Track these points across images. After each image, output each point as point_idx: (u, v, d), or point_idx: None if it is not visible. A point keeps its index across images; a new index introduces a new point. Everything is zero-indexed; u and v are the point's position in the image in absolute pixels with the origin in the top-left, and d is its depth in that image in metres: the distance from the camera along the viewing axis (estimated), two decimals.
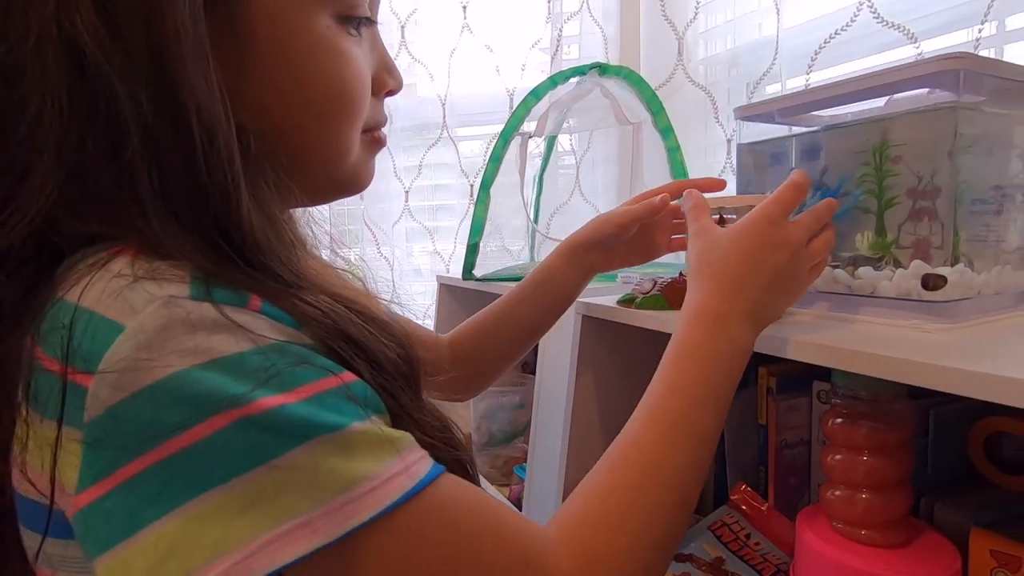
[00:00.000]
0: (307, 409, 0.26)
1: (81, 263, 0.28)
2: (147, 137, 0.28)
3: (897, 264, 0.51)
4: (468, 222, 1.50)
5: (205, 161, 0.28)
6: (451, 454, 0.32)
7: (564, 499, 0.71)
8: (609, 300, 0.66)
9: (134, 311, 0.25)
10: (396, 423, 0.30)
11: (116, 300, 0.25)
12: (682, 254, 0.67)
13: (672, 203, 0.59)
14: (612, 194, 1.35)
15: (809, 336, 0.44)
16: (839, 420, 0.48)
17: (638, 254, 0.64)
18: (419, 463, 0.28)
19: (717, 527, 0.65)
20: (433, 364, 0.62)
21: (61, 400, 0.25)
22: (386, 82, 0.39)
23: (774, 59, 1.04)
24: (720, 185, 0.59)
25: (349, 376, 0.28)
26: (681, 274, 0.64)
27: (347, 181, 0.38)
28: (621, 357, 0.72)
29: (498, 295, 0.96)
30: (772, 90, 1.13)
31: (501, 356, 0.64)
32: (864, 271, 0.52)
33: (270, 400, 0.25)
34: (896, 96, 0.56)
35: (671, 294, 0.60)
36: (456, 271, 1.45)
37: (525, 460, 1.05)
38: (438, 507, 0.28)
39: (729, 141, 1.17)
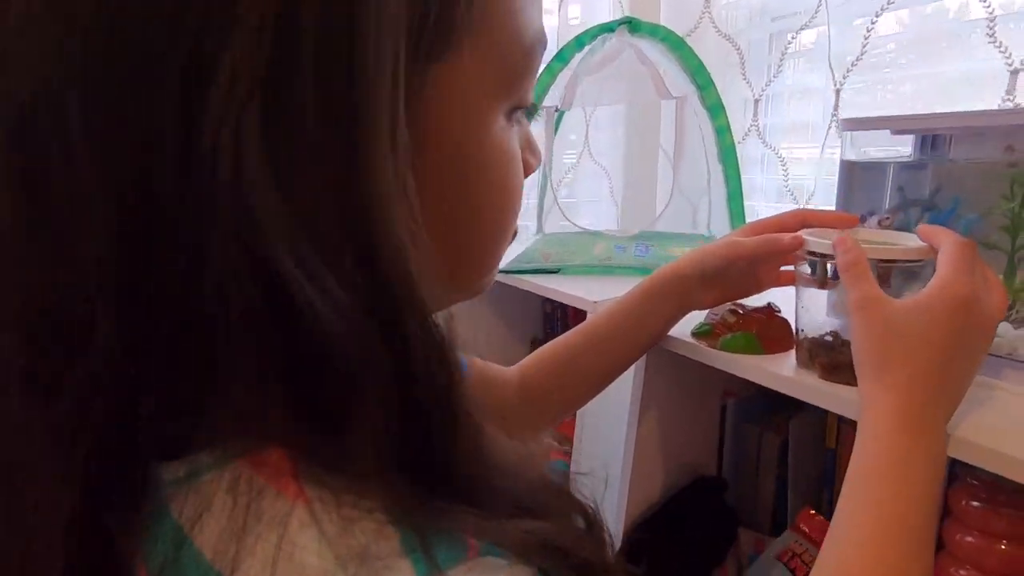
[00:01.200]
0: None
1: (222, 497, 0.20)
2: (353, 333, 0.20)
3: None
4: None
5: (422, 361, 0.21)
6: None
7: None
8: (680, 330, 0.59)
9: None
10: None
11: None
12: None
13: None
14: (619, 153, 1.26)
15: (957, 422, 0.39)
16: (975, 503, 0.44)
17: (737, 290, 0.55)
18: None
19: (788, 558, 0.63)
20: (499, 405, 0.55)
21: None
22: (530, 165, 0.31)
23: (819, 6, 0.94)
24: (852, 222, 0.50)
25: None
26: (769, 305, 0.57)
27: (478, 289, 0.31)
28: (689, 394, 0.65)
29: (514, 288, 0.88)
30: (807, 39, 1.03)
31: (573, 397, 0.57)
32: (1002, 327, 0.46)
33: None
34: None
35: (765, 335, 0.54)
36: None
37: None
38: None
39: (757, 102, 1.08)
